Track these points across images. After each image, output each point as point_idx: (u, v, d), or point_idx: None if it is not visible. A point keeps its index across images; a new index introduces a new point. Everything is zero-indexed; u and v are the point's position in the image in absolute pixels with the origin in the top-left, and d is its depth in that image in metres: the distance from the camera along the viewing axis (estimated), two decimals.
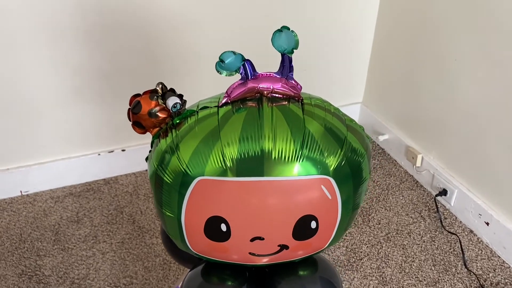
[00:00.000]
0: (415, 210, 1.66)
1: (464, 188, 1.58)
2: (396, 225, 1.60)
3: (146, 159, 0.67)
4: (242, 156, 0.56)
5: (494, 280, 1.40)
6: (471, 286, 1.38)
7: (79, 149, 1.72)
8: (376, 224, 1.61)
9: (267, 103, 0.59)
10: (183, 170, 0.58)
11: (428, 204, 1.68)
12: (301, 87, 0.62)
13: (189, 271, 0.74)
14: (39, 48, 1.49)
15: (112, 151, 1.76)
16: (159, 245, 1.50)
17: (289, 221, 0.59)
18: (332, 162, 0.58)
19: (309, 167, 0.57)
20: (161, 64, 1.64)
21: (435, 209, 1.65)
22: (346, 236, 1.55)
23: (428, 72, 1.65)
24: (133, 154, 1.77)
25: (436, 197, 1.67)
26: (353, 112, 2.08)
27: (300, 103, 0.61)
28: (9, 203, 1.66)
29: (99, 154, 1.74)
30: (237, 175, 0.56)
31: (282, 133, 0.57)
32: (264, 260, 0.66)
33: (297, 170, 0.57)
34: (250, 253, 0.63)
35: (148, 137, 1.77)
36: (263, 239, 0.61)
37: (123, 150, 1.77)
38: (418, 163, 1.75)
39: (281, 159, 0.56)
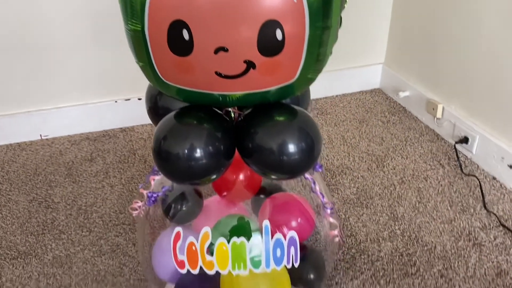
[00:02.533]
0: (434, 159, 1.59)
1: (486, 133, 1.50)
2: (413, 171, 1.53)
3: None
4: None
5: None
6: (490, 225, 1.30)
7: (97, 96, 1.76)
8: (391, 169, 1.54)
9: None
10: None
11: (448, 154, 1.61)
12: None
13: (160, 121, 0.73)
14: None
15: (128, 99, 1.79)
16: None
17: (252, 27, 0.57)
18: None
19: None
20: None
21: (455, 157, 1.57)
22: (357, 178, 1.50)
23: (449, 21, 1.60)
24: None
25: (457, 145, 1.59)
26: (375, 72, 2.03)
27: None
28: (28, 144, 1.71)
29: (116, 102, 1.78)
30: None
31: None
32: (234, 88, 0.64)
33: None
34: (216, 73, 0.61)
35: None
36: (227, 50, 0.59)
37: (139, 99, 1.79)
38: (439, 115, 1.68)
39: None
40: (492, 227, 1.29)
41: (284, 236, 0.74)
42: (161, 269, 0.90)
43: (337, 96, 2.00)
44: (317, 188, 0.80)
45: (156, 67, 0.64)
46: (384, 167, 1.55)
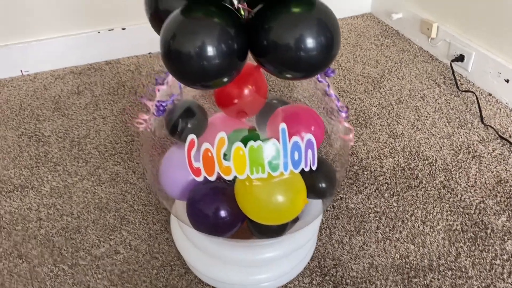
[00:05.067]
0: (429, 79, 1.57)
1: (482, 49, 1.49)
2: (409, 91, 1.52)
3: None
4: None
5: None
6: (488, 138, 1.31)
7: (78, 26, 1.66)
8: (388, 90, 1.53)
9: None
10: None
11: (443, 73, 1.59)
12: None
13: (166, 19, 0.67)
14: None
15: (112, 30, 1.70)
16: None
17: None
18: None
19: None
20: None
21: (451, 76, 1.56)
22: (355, 100, 1.48)
23: None
24: (133, 33, 1.71)
25: (452, 63, 1.57)
26: None
27: None
28: (9, 81, 1.63)
29: (98, 32, 1.69)
30: None
31: None
32: None
33: None
34: None
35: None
36: None
37: (123, 29, 1.70)
38: (434, 34, 1.65)
39: None
40: (490, 140, 1.30)
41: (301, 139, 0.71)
42: (170, 186, 0.88)
43: None
44: (332, 91, 0.77)
45: None
46: (380, 88, 1.54)
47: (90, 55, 1.70)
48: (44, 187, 1.19)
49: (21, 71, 1.66)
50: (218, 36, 0.64)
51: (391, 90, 1.52)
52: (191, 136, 0.72)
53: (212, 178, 0.72)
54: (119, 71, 1.66)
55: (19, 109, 1.47)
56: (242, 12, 0.69)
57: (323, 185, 0.86)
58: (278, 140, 0.73)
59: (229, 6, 0.68)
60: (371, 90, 1.53)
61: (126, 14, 1.69)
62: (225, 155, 0.72)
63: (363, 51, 1.74)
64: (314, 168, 0.74)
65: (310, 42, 0.64)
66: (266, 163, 0.70)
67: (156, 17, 0.77)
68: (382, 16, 1.94)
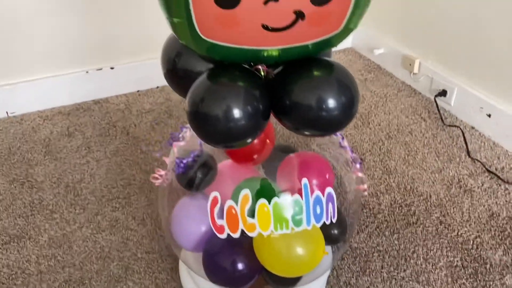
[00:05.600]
0: (414, 113, 1.63)
1: (464, 84, 1.56)
2: (397, 125, 1.57)
3: None
4: None
5: (498, 166, 1.38)
6: (477, 172, 1.36)
7: (66, 67, 1.65)
8: (376, 125, 1.57)
9: None
10: None
11: (427, 107, 1.66)
12: None
13: (193, 84, 0.69)
14: None
15: (100, 69, 1.69)
16: (156, 153, 1.45)
17: None
18: None
19: None
20: None
21: (435, 110, 1.63)
22: (345, 136, 1.52)
23: None
24: (122, 72, 1.71)
25: (436, 98, 1.64)
26: None
27: None
28: None
29: (87, 72, 1.68)
30: None
31: None
32: (277, 43, 0.61)
33: None
34: (263, 26, 0.58)
35: (137, 55, 1.70)
36: (277, 0, 0.56)
37: (111, 68, 1.70)
38: (416, 69, 1.72)
39: None
40: (479, 173, 1.36)
41: (322, 193, 0.73)
42: (183, 238, 0.87)
43: None
44: (345, 143, 0.80)
45: (195, 22, 0.59)
46: (369, 123, 1.58)
47: (78, 95, 1.69)
48: (42, 236, 1.16)
49: (7, 112, 1.62)
50: (244, 99, 0.66)
51: (379, 125, 1.57)
52: (214, 194, 0.73)
53: (236, 235, 0.72)
54: (109, 111, 1.65)
55: (8, 154, 1.44)
56: (262, 73, 0.71)
57: (336, 231, 0.88)
58: (292, 192, 0.75)
59: (250, 69, 0.69)
60: (360, 126, 1.57)
61: (115, 53, 1.69)
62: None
63: None
64: (334, 220, 0.75)
65: (331, 103, 0.67)
66: (290, 219, 0.71)
67: (173, 73, 0.78)
68: (363, 51, 2.01)
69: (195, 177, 0.84)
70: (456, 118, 1.60)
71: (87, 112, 1.64)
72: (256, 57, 0.65)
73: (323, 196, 0.73)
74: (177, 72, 0.77)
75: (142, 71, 1.72)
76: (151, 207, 1.24)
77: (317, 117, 0.68)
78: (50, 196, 1.28)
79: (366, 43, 1.96)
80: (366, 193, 0.82)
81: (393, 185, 1.32)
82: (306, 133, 0.71)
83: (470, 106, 1.54)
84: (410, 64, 1.73)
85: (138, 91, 1.76)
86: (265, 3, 0.56)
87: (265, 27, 0.58)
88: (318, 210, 0.73)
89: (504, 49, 1.39)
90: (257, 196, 0.77)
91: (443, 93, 1.62)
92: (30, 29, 1.54)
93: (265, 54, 0.64)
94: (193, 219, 0.87)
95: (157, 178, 0.81)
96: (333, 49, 2.05)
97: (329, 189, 0.74)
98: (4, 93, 1.59)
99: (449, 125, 1.54)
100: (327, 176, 0.84)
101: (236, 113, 0.65)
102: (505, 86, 1.43)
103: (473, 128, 1.54)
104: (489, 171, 1.35)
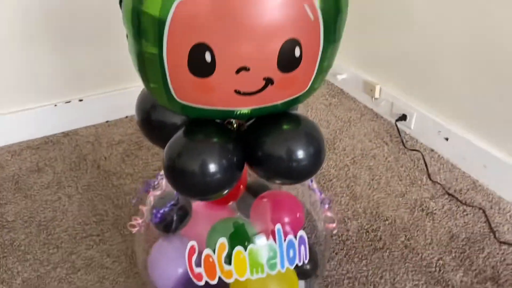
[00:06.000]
0: (377, 137, 1.71)
1: (422, 109, 1.65)
2: (361, 150, 1.64)
3: (120, 3, 0.64)
4: None
5: (457, 188, 1.47)
6: (437, 194, 1.44)
7: (34, 100, 1.65)
8: (342, 151, 1.64)
9: None
10: None
11: (389, 131, 1.74)
12: None
13: (170, 140, 0.72)
14: None
15: (69, 102, 1.69)
16: (127, 185, 1.46)
17: (274, 46, 0.59)
18: None
19: None
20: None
21: (397, 134, 1.71)
22: None
23: (382, 4, 1.70)
24: (91, 104, 1.72)
25: (397, 122, 1.72)
26: None
27: None
28: None
29: (55, 105, 1.68)
30: None
31: None
32: (249, 104, 0.66)
33: None
34: (235, 91, 0.63)
35: (105, 86, 1.71)
36: (248, 69, 0.60)
37: (80, 100, 1.71)
38: (377, 95, 1.80)
39: None
40: (439, 196, 1.44)
41: (294, 236, 0.78)
42: (162, 281, 0.90)
43: None
44: (315, 185, 0.85)
45: (171, 89, 0.63)
46: (335, 149, 1.65)
47: (47, 128, 1.68)
48: (15, 280, 1.16)
49: None
50: (219, 154, 0.70)
51: (344, 150, 1.64)
52: (192, 243, 0.76)
53: (214, 282, 0.76)
54: (79, 144, 1.65)
55: None
56: (234, 125, 0.76)
57: (308, 267, 0.92)
58: (267, 234, 0.79)
59: (223, 124, 0.73)
60: (326, 152, 1.63)
61: (83, 85, 1.70)
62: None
63: (314, 112, 1.85)
64: (306, 261, 0.80)
65: (300, 154, 0.72)
66: (265, 264, 0.75)
67: (147, 124, 0.81)
68: (328, 76, 2.08)
69: (171, 222, 0.87)
70: (417, 141, 1.68)
71: (57, 146, 1.63)
72: (229, 115, 0.69)
73: (296, 239, 0.78)
74: (151, 123, 0.81)
75: (111, 101, 1.74)
76: (125, 243, 1.25)
77: (287, 168, 0.72)
78: (22, 236, 1.28)
79: (331, 69, 2.03)
80: (335, 231, 0.87)
81: (359, 211, 1.38)
82: (278, 181, 0.76)
83: (429, 130, 1.63)
84: (371, 90, 1.82)
85: (107, 121, 1.77)
86: (237, 72, 0.60)
87: (238, 92, 0.63)
88: (291, 254, 0.77)
89: (457, 76, 1.49)
90: (231, 238, 0.81)
91: (403, 117, 1.71)
92: None
93: (238, 113, 0.68)
94: (170, 261, 0.90)
95: (134, 226, 0.84)
96: None
97: (301, 232, 0.78)
98: None
99: (410, 149, 1.63)
100: (298, 215, 0.89)
101: (212, 167, 0.69)
102: (459, 111, 1.52)
103: (432, 150, 1.63)
104: (448, 194, 1.44)
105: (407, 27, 1.62)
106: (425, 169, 1.54)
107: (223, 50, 0.58)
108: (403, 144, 1.66)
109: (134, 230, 0.85)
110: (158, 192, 0.83)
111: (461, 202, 1.41)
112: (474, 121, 1.49)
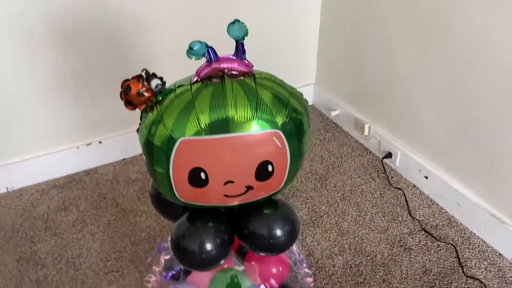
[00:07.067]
0: (365, 173, 1.90)
1: (405, 149, 1.83)
2: (350, 186, 1.83)
3: (137, 130, 0.85)
4: (212, 120, 0.75)
5: (434, 223, 1.65)
6: (415, 230, 1.63)
7: (58, 144, 1.86)
8: (333, 187, 1.83)
9: (228, 79, 0.78)
10: (168, 134, 0.76)
11: (376, 167, 1.92)
12: (252, 65, 0.81)
13: (176, 223, 0.93)
14: (14, 50, 1.62)
15: (89, 144, 1.91)
16: (143, 223, 1.67)
17: (252, 166, 0.79)
18: (279, 119, 0.78)
19: (263, 124, 0.77)
20: (130, 62, 1.80)
21: (383, 170, 1.89)
22: (307, 199, 1.77)
23: (369, 48, 1.88)
24: (109, 145, 1.93)
25: (383, 160, 1.91)
26: (307, 92, 2.29)
27: (253, 77, 0.80)
28: None
29: (77, 148, 1.89)
30: (210, 133, 0.75)
31: (241, 101, 0.76)
32: (236, 201, 0.86)
33: (254, 127, 0.76)
34: (224, 195, 0.83)
35: (122, 128, 1.92)
36: (233, 182, 0.80)
37: (100, 142, 1.92)
38: (366, 132, 1.99)
39: (241, 119, 0.75)
40: (417, 232, 1.62)
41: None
42: None
43: None
44: (295, 249, 1.05)
45: (176, 193, 0.83)
46: (327, 185, 1.84)
47: (70, 167, 1.90)
48: None
49: (7, 188, 1.82)
50: (214, 235, 0.90)
51: (335, 186, 1.83)
52: None
53: None
54: (98, 182, 1.86)
55: (11, 231, 1.64)
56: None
57: None
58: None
59: (218, 210, 0.93)
60: (319, 188, 1.82)
61: (102, 129, 1.91)
62: None
63: (309, 147, 2.04)
64: None
65: (278, 232, 0.91)
66: None
67: (157, 200, 1.01)
68: (322, 109, 2.27)
69: (179, 275, 1.07)
70: (401, 177, 1.86)
71: (79, 184, 1.85)
72: (222, 207, 0.89)
73: None
74: (160, 200, 1.01)
75: (127, 142, 1.95)
76: (141, 279, 1.46)
77: (268, 243, 0.92)
78: (53, 272, 1.49)
79: (325, 103, 2.23)
80: (312, 284, 1.07)
81: (345, 246, 1.57)
82: (261, 253, 0.96)
83: (411, 168, 1.81)
84: (361, 128, 2.00)
85: (123, 159, 1.98)
86: (225, 184, 0.80)
87: (226, 195, 0.83)
88: None
89: (436, 121, 1.66)
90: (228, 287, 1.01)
91: (389, 155, 1.89)
92: (24, 114, 1.74)
93: (228, 206, 0.88)
94: None
95: (149, 282, 1.04)
96: None
97: None
98: (3, 171, 1.79)
99: (394, 186, 1.81)
100: (280, 269, 1.09)
101: (208, 246, 0.89)
102: (437, 153, 1.70)
103: (414, 186, 1.81)
104: (424, 230, 1.62)
105: (392, 70, 1.79)
106: (406, 205, 1.72)
107: (214, 172, 0.78)
108: (388, 181, 1.84)
109: (149, 285, 1.06)
110: (167, 257, 1.04)
111: (435, 238, 1.59)
112: (450, 163, 1.66)
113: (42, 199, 1.79)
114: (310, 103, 2.33)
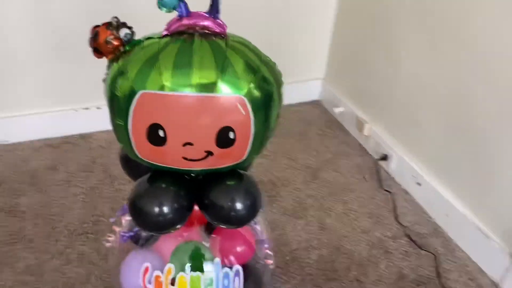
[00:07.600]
0: (359, 172, 1.86)
1: (401, 153, 1.78)
2: (341, 184, 1.79)
3: (103, 80, 0.83)
4: (175, 76, 0.73)
5: (420, 231, 1.60)
6: (399, 234, 1.59)
7: (57, 104, 1.87)
8: (323, 182, 1.80)
9: (197, 37, 0.76)
10: (130, 85, 0.75)
11: (371, 168, 1.88)
12: (226, 26, 0.79)
13: (136, 181, 0.91)
14: (22, 3, 1.63)
15: (87, 108, 1.91)
16: (126, 191, 1.66)
17: (212, 130, 0.77)
18: (245, 85, 0.75)
19: (228, 88, 0.74)
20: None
21: (377, 172, 1.85)
22: (295, 190, 1.74)
23: (378, 53, 1.84)
24: (107, 112, 1.93)
25: (378, 162, 1.87)
26: (315, 86, 2.26)
27: (224, 39, 0.78)
28: None
29: (76, 110, 1.90)
30: (171, 90, 0.73)
31: (207, 60, 0.74)
32: (197, 167, 0.84)
33: (218, 90, 0.74)
34: (183, 158, 0.81)
35: None
36: (192, 144, 0.78)
37: (98, 108, 1.92)
38: (366, 132, 1.95)
39: (205, 80, 0.74)
40: (400, 237, 1.58)
41: (231, 266, 0.95)
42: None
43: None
44: (258, 227, 1.02)
45: (135, 149, 0.82)
46: (317, 179, 1.81)
47: (66, 129, 1.91)
48: (19, 264, 1.38)
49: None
50: (172, 199, 0.88)
51: (326, 182, 1.80)
52: (146, 264, 0.95)
53: None
54: (92, 147, 1.87)
55: None
56: (192, 174, 0.93)
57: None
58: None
59: (180, 174, 0.91)
60: (308, 181, 1.79)
61: (101, 95, 1.91)
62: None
63: (307, 140, 2.01)
64: None
65: (239, 205, 0.89)
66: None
67: (125, 160, 1.00)
68: (327, 105, 2.23)
69: (139, 239, 1.06)
70: (394, 181, 1.82)
71: (73, 146, 1.86)
72: (185, 172, 0.87)
73: (232, 271, 0.95)
74: (129, 159, 1.00)
75: None
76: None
77: (227, 215, 0.90)
78: (29, 226, 1.50)
79: (330, 100, 2.19)
80: (272, 266, 1.05)
81: (324, 241, 1.54)
82: (221, 225, 0.94)
83: (405, 173, 1.77)
84: (361, 127, 1.96)
85: None
86: (184, 145, 0.78)
87: (185, 158, 0.81)
88: (226, 283, 0.95)
89: (433, 128, 1.61)
90: (190, 259, 0.99)
91: (384, 157, 1.85)
92: (26, 71, 1.76)
93: (190, 171, 0.86)
94: (137, 273, 1.09)
95: (108, 242, 1.03)
96: (302, 100, 2.24)
97: (237, 267, 0.96)
98: (1, 123, 1.81)
99: (385, 189, 1.77)
100: (243, 249, 1.06)
101: (165, 209, 0.87)
102: (432, 161, 1.65)
103: (407, 193, 1.77)
104: (407, 236, 1.58)
105: (398, 74, 1.75)
106: (394, 210, 1.68)
107: (172, 130, 0.76)
108: (380, 184, 1.80)
109: (108, 244, 1.05)
110: (129, 218, 1.02)
111: (418, 245, 1.54)
112: (443, 172, 1.62)
113: (34, 155, 1.80)
114: (316, 98, 2.30)
